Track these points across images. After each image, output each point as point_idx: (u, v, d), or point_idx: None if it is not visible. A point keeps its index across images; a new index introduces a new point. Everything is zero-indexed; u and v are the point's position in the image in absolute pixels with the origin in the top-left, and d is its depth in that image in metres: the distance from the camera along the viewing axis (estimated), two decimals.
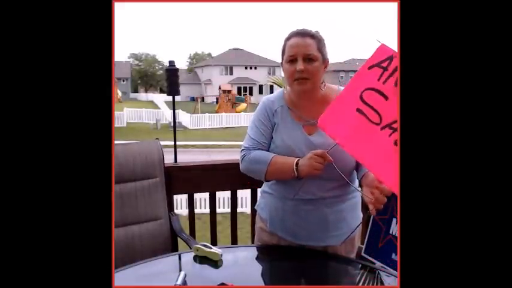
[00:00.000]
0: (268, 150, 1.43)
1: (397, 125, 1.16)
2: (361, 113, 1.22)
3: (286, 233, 1.44)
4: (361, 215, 1.51)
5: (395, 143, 1.16)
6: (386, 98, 1.21)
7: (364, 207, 1.53)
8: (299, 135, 1.38)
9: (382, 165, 1.17)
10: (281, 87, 2.95)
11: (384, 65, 1.22)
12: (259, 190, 1.65)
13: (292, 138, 1.38)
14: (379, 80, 1.22)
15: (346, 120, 1.23)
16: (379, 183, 1.19)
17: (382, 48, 1.24)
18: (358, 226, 1.42)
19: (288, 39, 1.36)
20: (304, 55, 1.31)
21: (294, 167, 1.31)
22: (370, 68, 1.24)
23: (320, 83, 1.39)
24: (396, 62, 1.20)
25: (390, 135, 1.18)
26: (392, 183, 1.14)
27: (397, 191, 1.04)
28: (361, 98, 1.23)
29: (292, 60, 1.33)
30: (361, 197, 1.49)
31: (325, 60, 1.36)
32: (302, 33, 1.34)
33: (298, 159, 1.32)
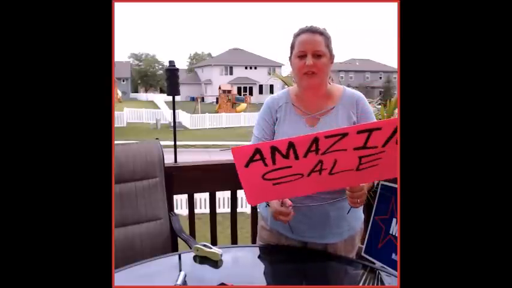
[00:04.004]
0: None
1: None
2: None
3: (286, 229, 1.44)
4: (362, 216, 1.51)
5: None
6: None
7: (366, 208, 1.53)
8: (301, 127, 1.42)
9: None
10: (284, 82, 2.94)
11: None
12: None
13: (294, 129, 1.42)
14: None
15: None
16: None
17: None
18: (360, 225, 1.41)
19: (297, 35, 1.42)
20: (314, 51, 1.36)
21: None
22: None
23: (327, 78, 1.45)
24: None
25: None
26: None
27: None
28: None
29: (302, 55, 1.38)
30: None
31: (331, 57, 1.43)
32: (312, 30, 1.40)
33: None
